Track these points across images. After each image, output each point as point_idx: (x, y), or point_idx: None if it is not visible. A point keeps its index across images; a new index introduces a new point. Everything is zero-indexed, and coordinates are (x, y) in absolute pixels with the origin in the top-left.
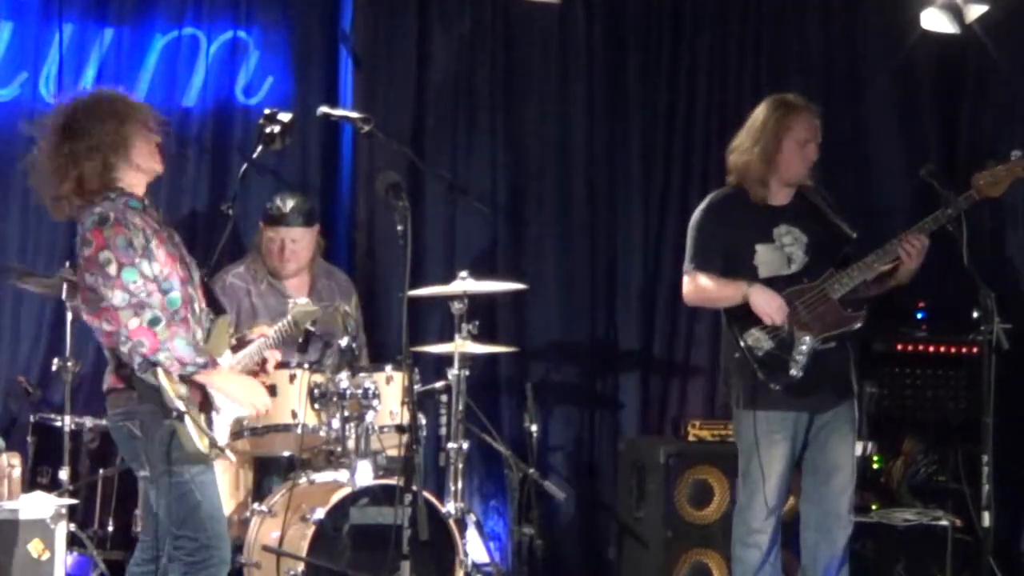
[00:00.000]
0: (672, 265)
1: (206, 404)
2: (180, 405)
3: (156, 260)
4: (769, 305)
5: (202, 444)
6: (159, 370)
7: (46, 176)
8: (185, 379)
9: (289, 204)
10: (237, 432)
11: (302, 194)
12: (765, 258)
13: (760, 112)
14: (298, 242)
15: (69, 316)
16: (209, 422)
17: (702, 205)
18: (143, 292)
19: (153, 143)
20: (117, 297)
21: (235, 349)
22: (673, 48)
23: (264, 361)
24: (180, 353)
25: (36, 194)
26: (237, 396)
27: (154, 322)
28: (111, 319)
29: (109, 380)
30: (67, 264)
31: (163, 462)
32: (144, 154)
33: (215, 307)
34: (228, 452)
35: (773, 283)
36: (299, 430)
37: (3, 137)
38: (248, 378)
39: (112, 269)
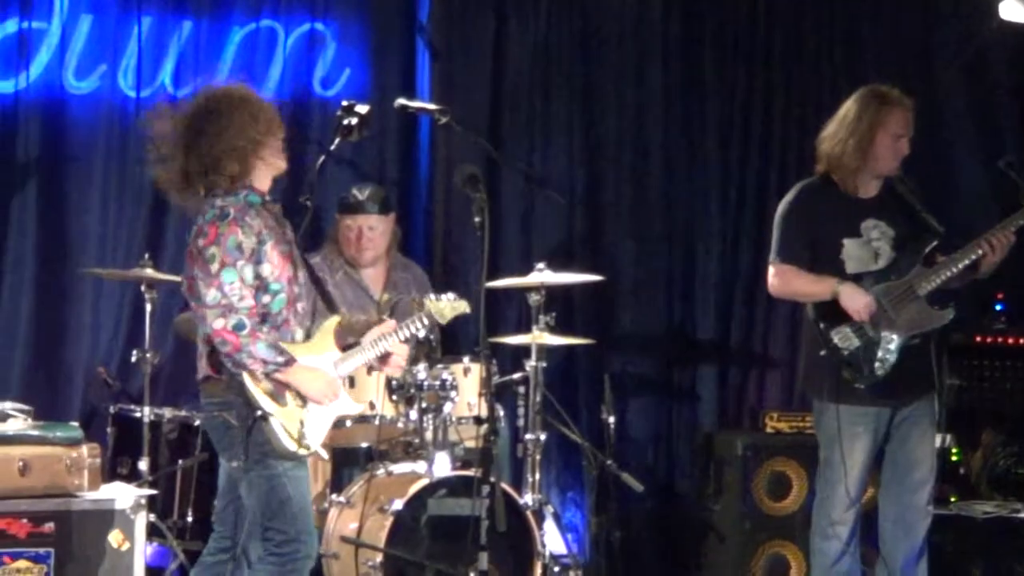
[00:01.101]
0: (749, 257)
1: (301, 398)
2: (265, 404)
3: (268, 262)
4: (858, 302)
5: (290, 442)
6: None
7: (177, 169)
8: (269, 377)
9: (366, 192)
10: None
11: (378, 184)
12: (852, 253)
13: (854, 104)
14: (375, 229)
15: (148, 308)
16: (301, 421)
17: (789, 196)
18: (235, 296)
19: (281, 140)
20: (210, 295)
21: (350, 347)
22: (750, 39)
23: (387, 355)
24: (261, 355)
25: (158, 185)
26: (309, 390)
27: (238, 327)
28: (200, 315)
29: (204, 368)
30: (146, 256)
31: (257, 454)
32: (275, 151)
33: (329, 305)
34: (321, 451)
35: (860, 279)
36: (377, 421)
37: (83, 130)
38: (322, 372)
39: (214, 266)
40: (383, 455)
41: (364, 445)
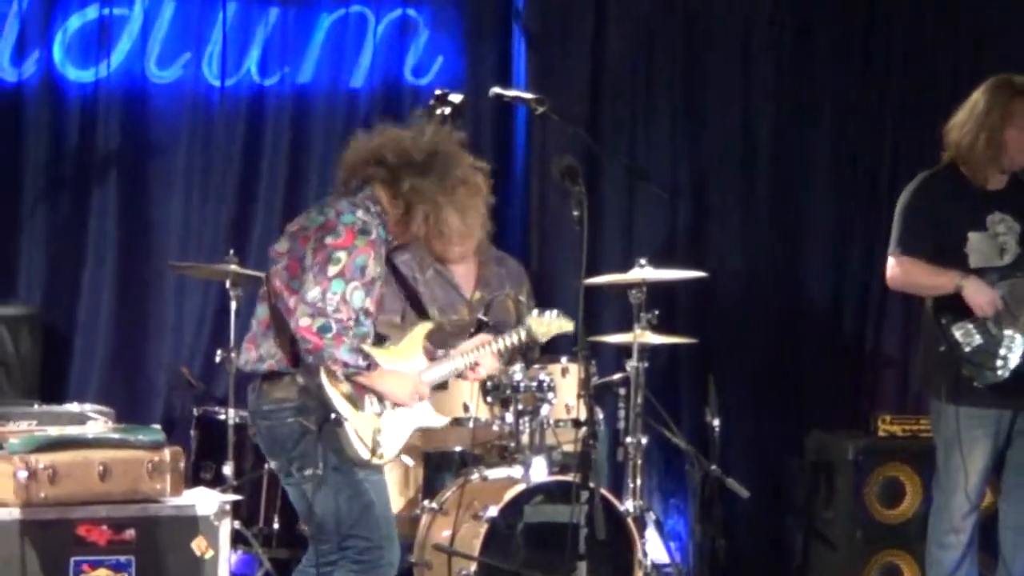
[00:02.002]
0: (860, 252)
1: (380, 404)
2: (342, 408)
3: (371, 297)
4: (984, 297)
5: (363, 450)
6: (322, 369)
7: (363, 171)
8: (349, 379)
9: None
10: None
11: None
12: (977, 247)
13: (984, 95)
14: None
15: (233, 305)
16: (376, 429)
17: (912, 186)
18: (332, 306)
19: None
20: (312, 293)
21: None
22: (865, 35)
23: (475, 364)
24: (343, 357)
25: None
26: (392, 392)
27: (324, 329)
28: (291, 305)
29: (275, 360)
30: (231, 252)
31: (333, 460)
32: (457, 234)
33: (420, 311)
34: (404, 457)
35: (984, 274)
36: (471, 424)
37: (165, 120)
38: (405, 373)
39: (332, 269)
40: (477, 459)
41: (457, 449)
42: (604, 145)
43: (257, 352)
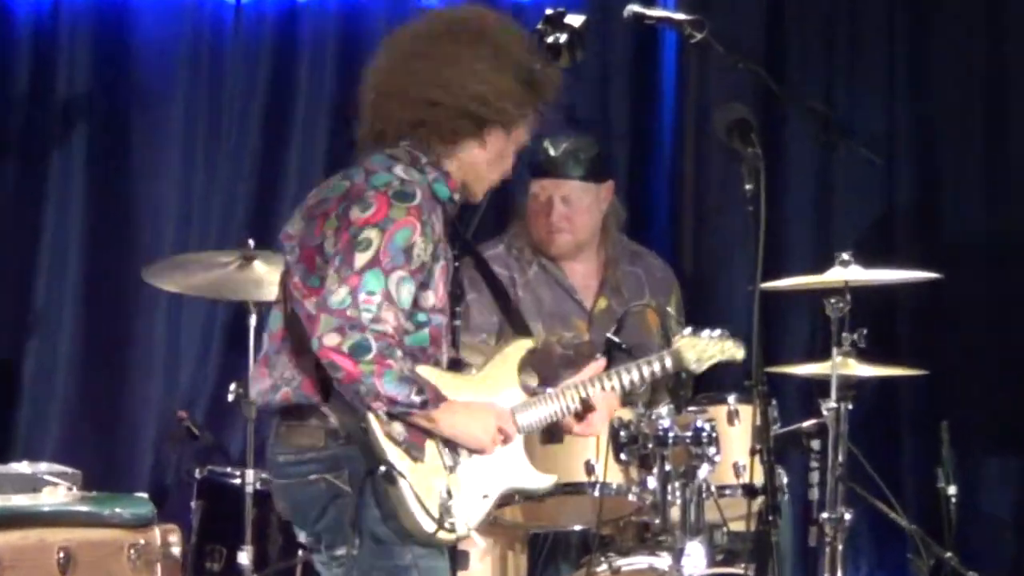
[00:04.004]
0: None
1: (452, 454)
2: (394, 457)
3: (433, 290)
4: None
5: (425, 519)
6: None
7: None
8: (399, 418)
9: (562, 146)
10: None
11: (587, 136)
12: None
13: None
14: (573, 203)
15: (252, 321)
16: (447, 490)
17: None
18: (370, 312)
19: (529, 127)
20: (337, 296)
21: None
22: None
23: (587, 408)
24: (388, 391)
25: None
26: (465, 433)
27: (359, 349)
28: (312, 315)
29: (289, 390)
30: (251, 245)
31: (376, 533)
32: (513, 142)
33: (517, 325)
34: (475, 536)
35: None
36: (596, 492)
37: (155, 55)
38: (484, 405)
39: (361, 259)
40: (606, 543)
41: (578, 528)
42: (789, 89)
43: (270, 378)
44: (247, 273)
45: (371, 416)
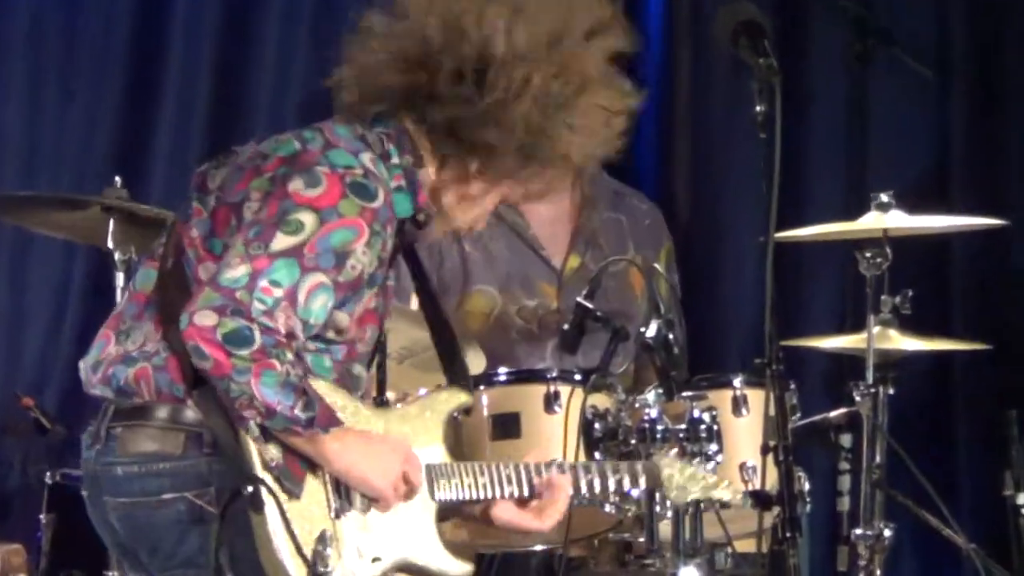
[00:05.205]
0: None
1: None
2: (269, 479)
3: (349, 310)
4: None
5: (293, 563)
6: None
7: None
8: (273, 441)
9: None
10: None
11: None
12: None
13: None
14: None
15: (119, 279)
16: (321, 538)
17: None
18: (264, 306)
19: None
20: (232, 273)
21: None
22: None
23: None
24: (265, 398)
25: None
26: (360, 476)
27: (237, 339)
28: (200, 277)
29: (153, 370)
30: (117, 182)
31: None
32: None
33: (454, 373)
34: None
35: None
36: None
37: None
38: (388, 441)
39: (282, 241)
40: (575, 567)
41: (538, 548)
42: None
43: (120, 345)
44: (112, 220)
45: (240, 428)
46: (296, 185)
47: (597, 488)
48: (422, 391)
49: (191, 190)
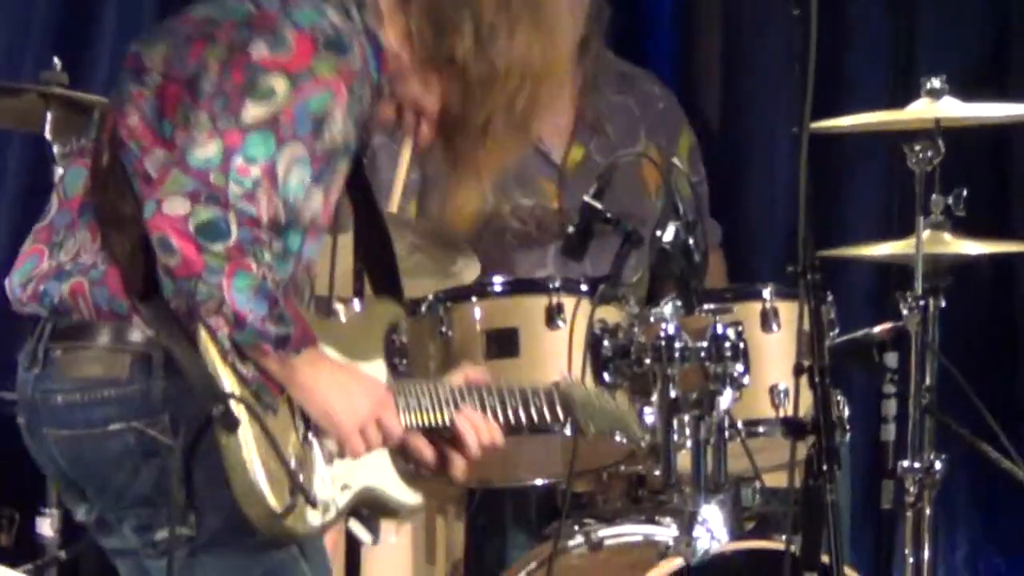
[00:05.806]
0: None
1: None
2: (242, 389)
3: (323, 186)
4: None
5: (268, 491)
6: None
7: None
8: (245, 355)
9: None
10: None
11: None
12: None
13: None
14: None
15: (59, 173)
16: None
17: None
18: (240, 186)
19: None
20: (199, 152)
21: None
22: None
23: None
24: (237, 304)
25: None
26: (327, 410)
27: (211, 231)
28: (149, 170)
29: (90, 284)
30: (56, 64)
31: (222, 517)
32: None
33: (386, 286)
34: (358, 528)
35: None
36: (568, 430)
37: None
38: (365, 379)
39: (254, 111)
40: (582, 505)
41: (539, 483)
42: None
43: (51, 259)
44: (50, 110)
45: (204, 334)
46: (260, 50)
47: (512, 416)
48: (355, 302)
49: (124, 73)
